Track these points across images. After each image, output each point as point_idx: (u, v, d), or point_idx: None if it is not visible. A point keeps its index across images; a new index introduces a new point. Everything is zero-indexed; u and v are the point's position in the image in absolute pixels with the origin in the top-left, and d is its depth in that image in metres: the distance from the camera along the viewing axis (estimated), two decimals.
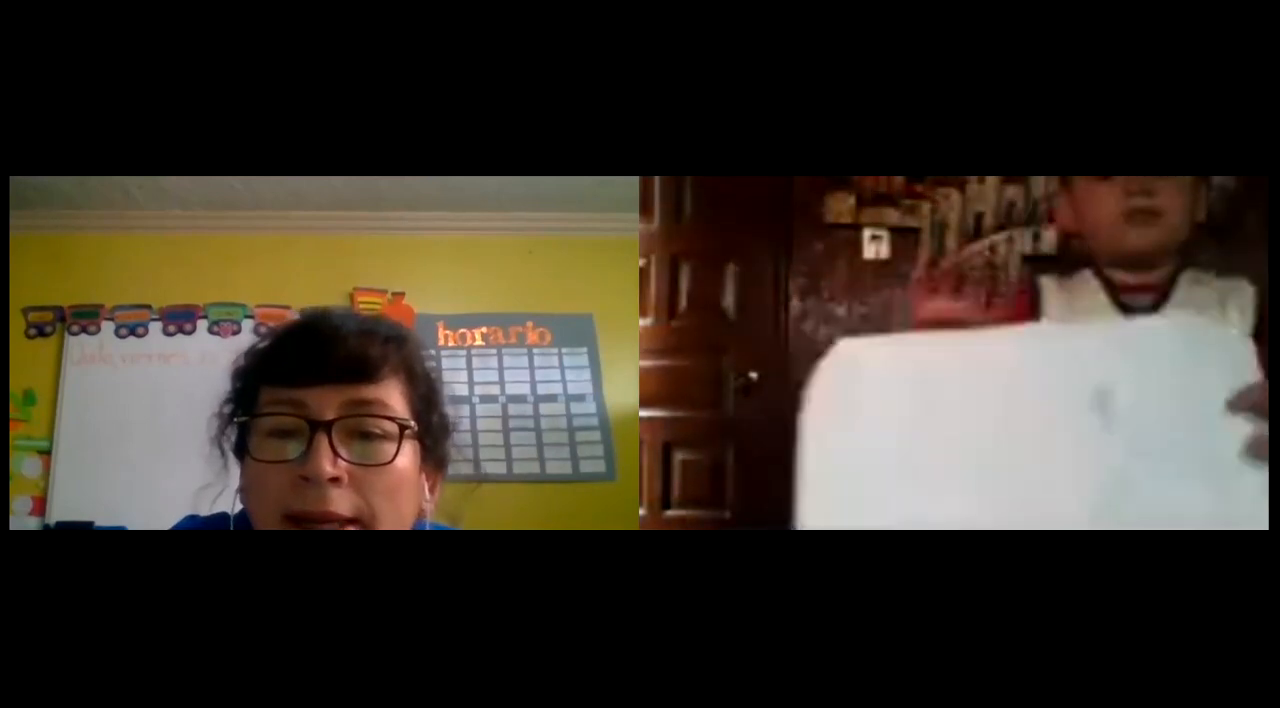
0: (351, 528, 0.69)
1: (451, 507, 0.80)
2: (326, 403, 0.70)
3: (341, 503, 0.69)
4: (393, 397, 0.73)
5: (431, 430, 0.76)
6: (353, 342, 0.73)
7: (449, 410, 0.78)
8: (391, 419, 0.71)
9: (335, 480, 0.68)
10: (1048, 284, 0.92)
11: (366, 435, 0.71)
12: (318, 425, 0.69)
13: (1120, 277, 0.88)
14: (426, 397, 0.76)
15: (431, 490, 0.76)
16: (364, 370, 0.72)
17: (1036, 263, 2.01)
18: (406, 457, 0.72)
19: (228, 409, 0.77)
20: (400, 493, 0.72)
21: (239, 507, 0.74)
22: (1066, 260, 0.98)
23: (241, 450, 0.74)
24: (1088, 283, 0.90)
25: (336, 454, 0.69)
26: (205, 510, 0.76)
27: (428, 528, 0.79)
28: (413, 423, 0.73)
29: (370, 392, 0.71)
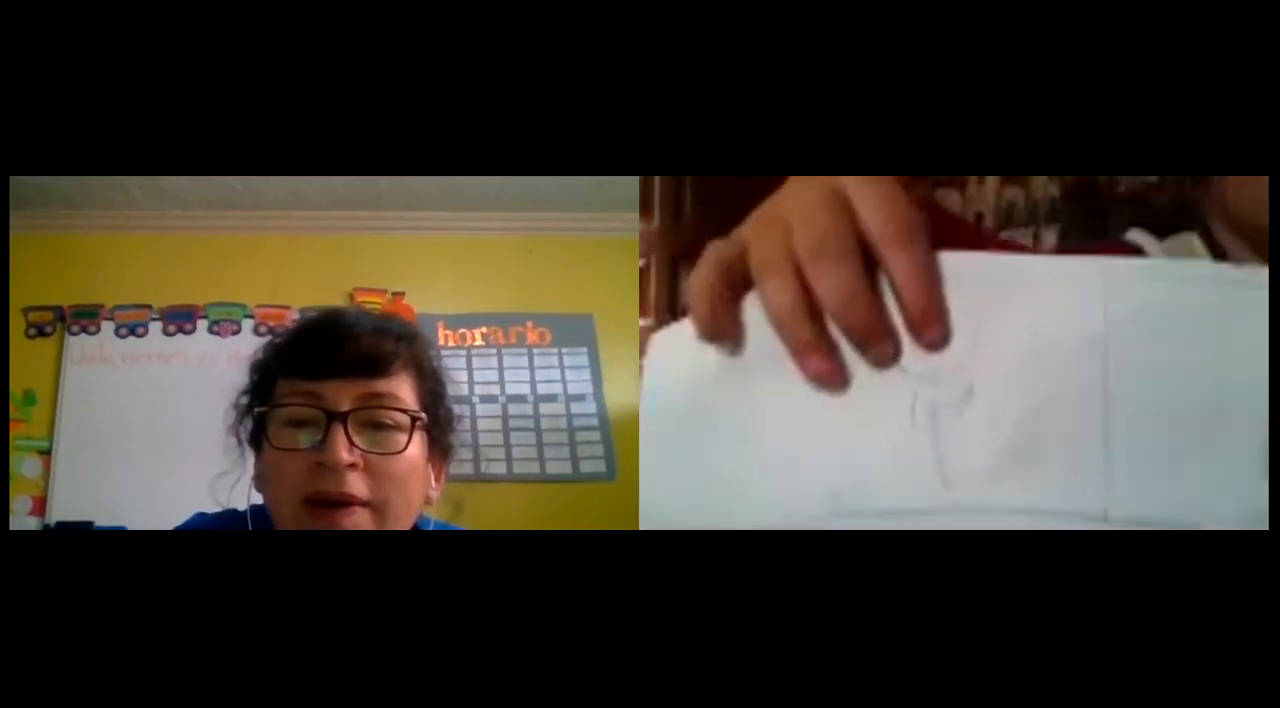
0: (365, 511, 0.73)
1: (455, 495, 0.84)
2: (342, 395, 0.74)
3: (356, 486, 0.73)
4: (403, 390, 0.77)
5: (439, 422, 0.81)
6: (366, 339, 0.77)
7: (453, 404, 0.83)
8: (403, 411, 0.76)
9: (351, 466, 0.73)
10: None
11: (379, 426, 0.76)
12: (334, 416, 0.74)
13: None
14: (434, 391, 0.81)
15: (437, 479, 0.81)
16: (377, 365, 0.76)
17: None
18: (416, 446, 0.77)
19: (244, 401, 0.81)
20: (410, 480, 0.76)
21: (255, 499, 0.79)
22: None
23: (256, 440, 0.79)
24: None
25: (352, 443, 0.73)
26: (223, 496, 0.80)
27: (431, 523, 0.83)
28: (423, 415, 0.77)
29: (383, 385, 0.76)
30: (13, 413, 2.46)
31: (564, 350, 2.71)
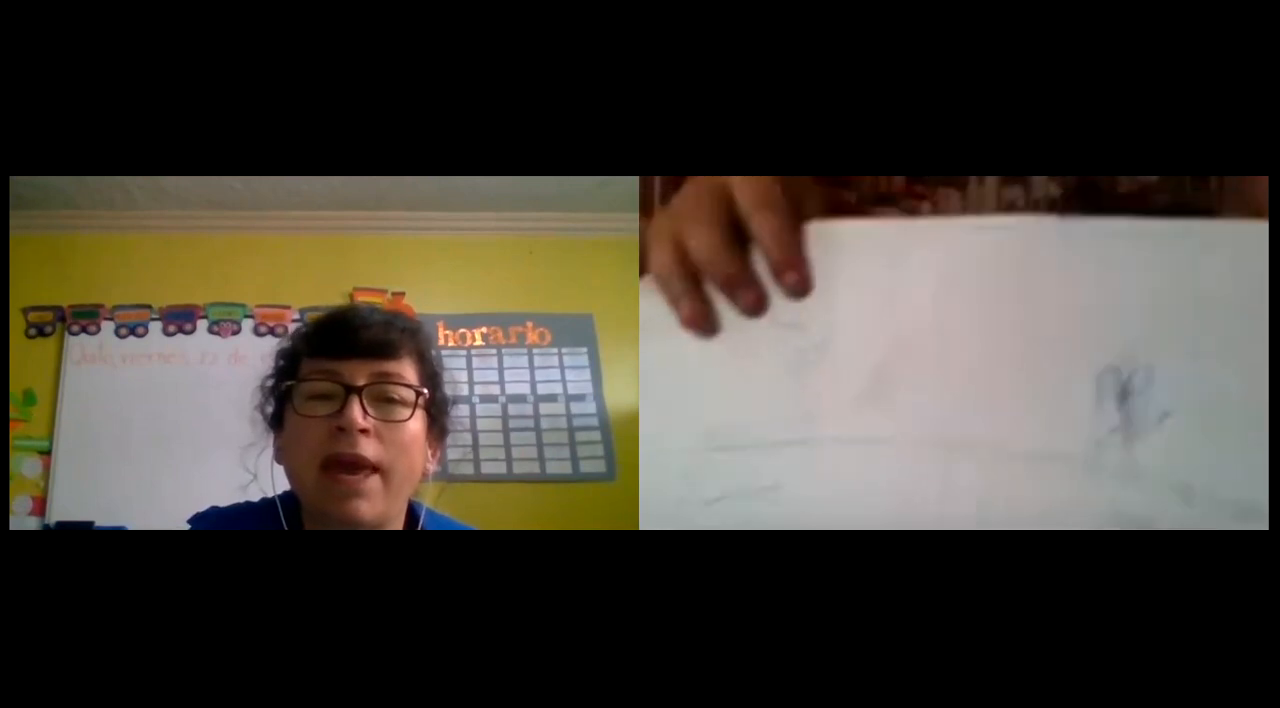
0: (375, 476, 0.84)
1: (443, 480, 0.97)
2: (358, 372, 0.86)
3: (368, 449, 0.84)
4: (408, 372, 0.89)
5: (437, 403, 0.92)
6: (377, 328, 0.90)
7: (449, 391, 0.96)
8: (408, 386, 0.88)
9: (364, 432, 0.84)
10: None
11: (388, 400, 0.87)
12: (351, 389, 0.85)
13: None
14: (433, 376, 0.93)
15: (434, 455, 0.93)
16: (386, 349, 0.88)
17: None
18: (418, 420, 0.88)
19: (270, 383, 0.93)
20: (412, 449, 0.88)
21: (276, 491, 0.91)
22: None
23: (277, 419, 0.91)
24: None
25: (366, 411, 0.85)
26: (250, 464, 0.92)
27: (424, 509, 0.92)
28: (425, 391, 0.89)
29: (391, 366, 0.88)
30: (13, 413, 2.46)
31: (564, 350, 2.71)
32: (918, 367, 0.49)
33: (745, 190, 0.49)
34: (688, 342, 0.50)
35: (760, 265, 0.50)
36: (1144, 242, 0.48)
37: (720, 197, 0.49)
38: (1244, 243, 0.47)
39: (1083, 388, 0.48)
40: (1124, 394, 0.48)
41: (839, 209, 0.54)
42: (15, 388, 2.52)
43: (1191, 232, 0.49)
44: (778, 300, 0.50)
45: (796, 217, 0.49)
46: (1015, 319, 0.49)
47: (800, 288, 0.48)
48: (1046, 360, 0.48)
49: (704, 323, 0.50)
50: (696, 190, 0.51)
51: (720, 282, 0.49)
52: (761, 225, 0.48)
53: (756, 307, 0.49)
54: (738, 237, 0.49)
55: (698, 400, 0.51)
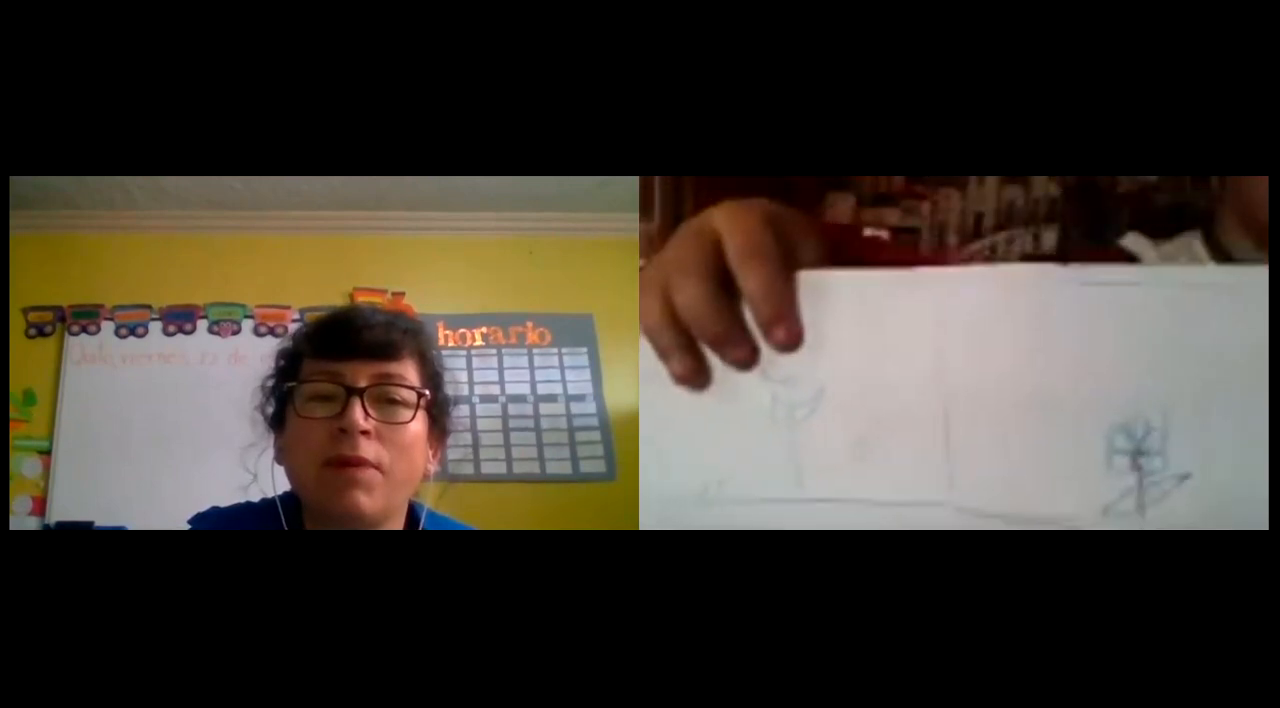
0: (376, 472, 0.84)
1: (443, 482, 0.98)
2: (360, 373, 0.86)
3: (369, 450, 0.84)
4: (409, 373, 0.89)
5: (438, 404, 0.92)
6: (379, 329, 0.89)
7: (449, 392, 0.96)
8: (410, 388, 0.88)
9: (366, 433, 0.84)
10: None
11: (390, 401, 0.87)
12: (353, 390, 0.85)
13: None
14: (435, 377, 0.93)
15: (434, 456, 0.93)
16: (388, 350, 0.88)
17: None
18: (419, 422, 0.89)
19: (271, 383, 0.93)
20: (414, 450, 0.88)
21: (276, 492, 0.91)
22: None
23: (277, 420, 0.91)
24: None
25: (367, 413, 0.85)
26: (251, 465, 0.92)
27: (425, 510, 0.92)
28: (427, 392, 0.89)
29: (393, 367, 0.88)
30: (13, 413, 2.46)
31: (564, 350, 2.71)
32: (914, 426, 0.47)
33: (734, 239, 0.47)
34: (679, 394, 0.49)
35: (751, 317, 0.48)
36: (1157, 290, 0.45)
37: (708, 246, 0.47)
38: (1265, 291, 0.44)
39: (1092, 447, 0.45)
40: (1138, 454, 0.45)
41: (839, 246, 0.52)
42: (15, 388, 2.52)
43: (1210, 278, 0.46)
44: (768, 352, 0.48)
45: (787, 266, 0.47)
46: (1018, 374, 0.46)
47: (789, 344, 0.47)
48: (1052, 418, 0.46)
49: (694, 379, 0.49)
50: (684, 239, 0.49)
51: (708, 339, 0.47)
52: (749, 278, 0.46)
53: (746, 362, 0.47)
54: (727, 287, 0.47)
55: (686, 453, 0.50)
